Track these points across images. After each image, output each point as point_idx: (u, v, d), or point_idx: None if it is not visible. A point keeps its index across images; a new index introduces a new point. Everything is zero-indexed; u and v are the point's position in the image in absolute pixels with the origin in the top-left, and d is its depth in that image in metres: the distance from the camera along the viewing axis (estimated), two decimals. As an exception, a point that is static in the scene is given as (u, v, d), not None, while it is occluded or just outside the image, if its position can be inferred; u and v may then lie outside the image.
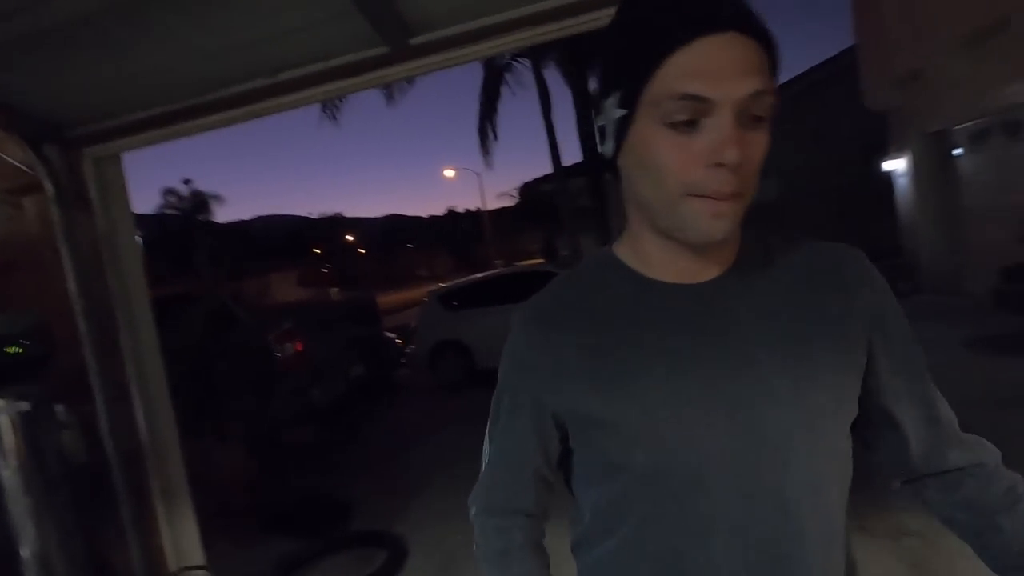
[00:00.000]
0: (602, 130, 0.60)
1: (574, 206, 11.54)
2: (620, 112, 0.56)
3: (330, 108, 11.20)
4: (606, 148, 0.61)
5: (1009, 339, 4.85)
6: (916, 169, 7.73)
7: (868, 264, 0.65)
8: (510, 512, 0.74)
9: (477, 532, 0.76)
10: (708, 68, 0.50)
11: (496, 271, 8.17)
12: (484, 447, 0.75)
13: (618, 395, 0.60)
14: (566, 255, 12.70)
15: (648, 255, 0.63)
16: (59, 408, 1.78)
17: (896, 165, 8.21)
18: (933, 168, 7.47)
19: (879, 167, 8.49)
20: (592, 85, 0.68)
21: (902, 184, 8.22)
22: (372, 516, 3.61)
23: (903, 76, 6.93)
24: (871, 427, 0.66)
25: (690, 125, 0.52)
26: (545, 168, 12.67)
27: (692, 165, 0.53)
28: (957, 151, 7.27)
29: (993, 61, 5.61)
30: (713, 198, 0.53)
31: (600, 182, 11.13)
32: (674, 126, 0.52)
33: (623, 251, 0.66)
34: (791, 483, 0.58)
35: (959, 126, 7.03)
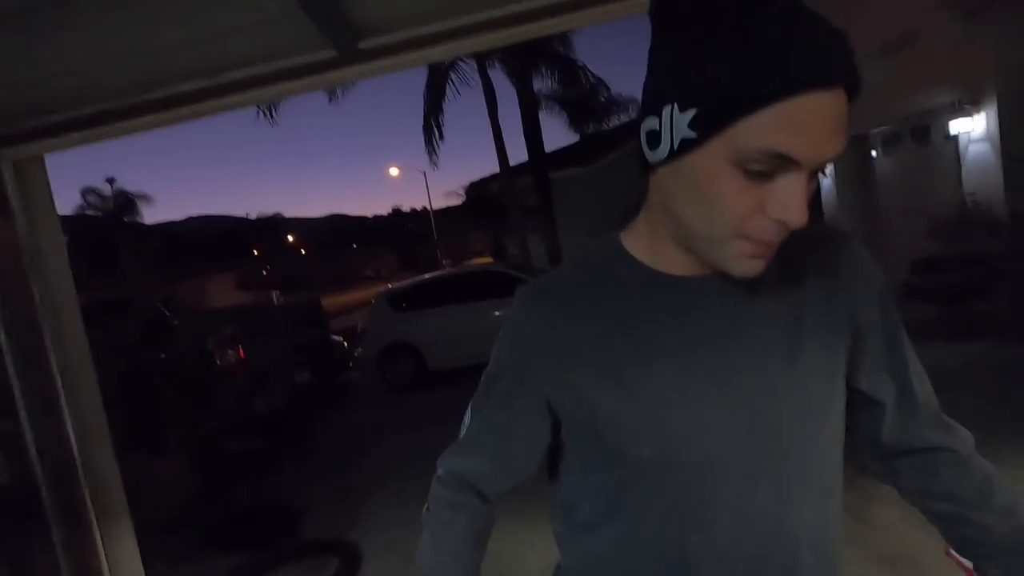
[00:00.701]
0: (654, 134, 0.53)
1: (521, 205, 11.63)
2: (689, 133, 0.49)
3: (266, 106, 10.79)
4: (655, 156, 0.54)
5: (920, 327, 5.29)
6: (837, 170, 8.27)
7: (855, 247, 0.65)
8: (469, 490, 0.73)
9: (432, 495, 0.75)
10: (806, 127, 0.46)
11: (445, 271, 8.14)
12: (465, 418, 0.73)
13: (626, 386, 0.60)
14: (515, 254, 12.79)
15: (661, 253, 0.62)
16: (-22, 428, 1.66)
17: (820, 166, 8.74)
18: (853, 169, 8.02)
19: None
20: (651, 76, 0.53)
21: (826, 184, 8.77)
22: (324, 524, 3.54)
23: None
24: (851, 407, 0.67)
25: (763, 175, 0.49)
26: (492, 167, 12.73)
27: (754, 214, 0.50)
28: (874, 154, 7.84)
29: (903, 72, 6.09)
30: (760, 241, 0.52)
31: (547, 181, 11.26)
32: (746, 172, 0.49)
33: (632, 242, 0.64)
34: (792, 471, 0.59)
35: (875, 130, 7.58)
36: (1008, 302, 4.65)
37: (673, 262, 0.61)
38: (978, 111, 5.76)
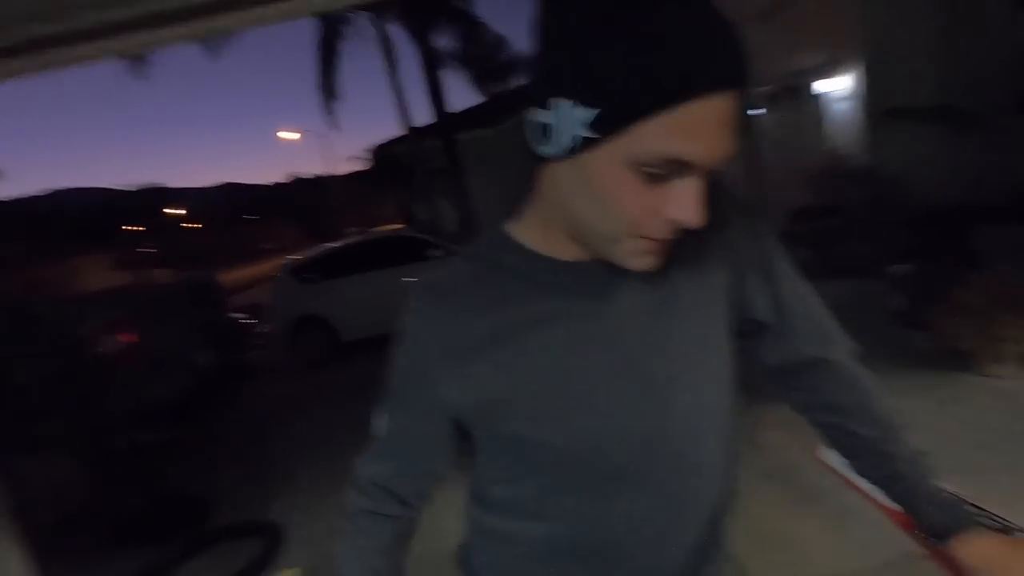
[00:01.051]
0: (546, 128, 0.51)
1: (430, 168, 11.37)
2: (584, 132, 0.48)
3: (136, 62, 9.61)
4: (546, 150, 0.52)
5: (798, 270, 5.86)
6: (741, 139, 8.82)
7: (721, 186, 0.65)
8: (387, 496, 0.73)
9: (350, 504, 0.75)
10: (704, 131, 0.46)
11: (353, 239, 7.84)
12: (375, 420, 0.73)
13: (520, 374, 0.60)
14: (424, 219, 12.56)
15: (551, 240, 0.61)
16: None
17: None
18: (745, 135, 8.58)
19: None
20: (537, 66, 0.50)
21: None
22: (242, 507, 3.41)
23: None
24: (745, 336, 0.69)
25: (660, 178, 0.48)
26: (398, 129, 12.24)
27: (650, 216, 0.51)
28: (758, 111, 8.41)
29: (783, 33, 6.52)
30: (655, 240, 0.53)
31: (455, 143, 11.06)
32: (643, 174, 0.48)
33: (521, 230, 0.64)
34: (691, 420, 0.62)
35: (758, 89, 8.11)
36: (866, 245, 5.25)
37: (563, 249, 0.61)
38: (845, 71, 6.33)
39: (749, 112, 8.36)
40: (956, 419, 2.63)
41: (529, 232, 0.63)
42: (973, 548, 0.61)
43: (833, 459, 0.79)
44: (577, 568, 0.65)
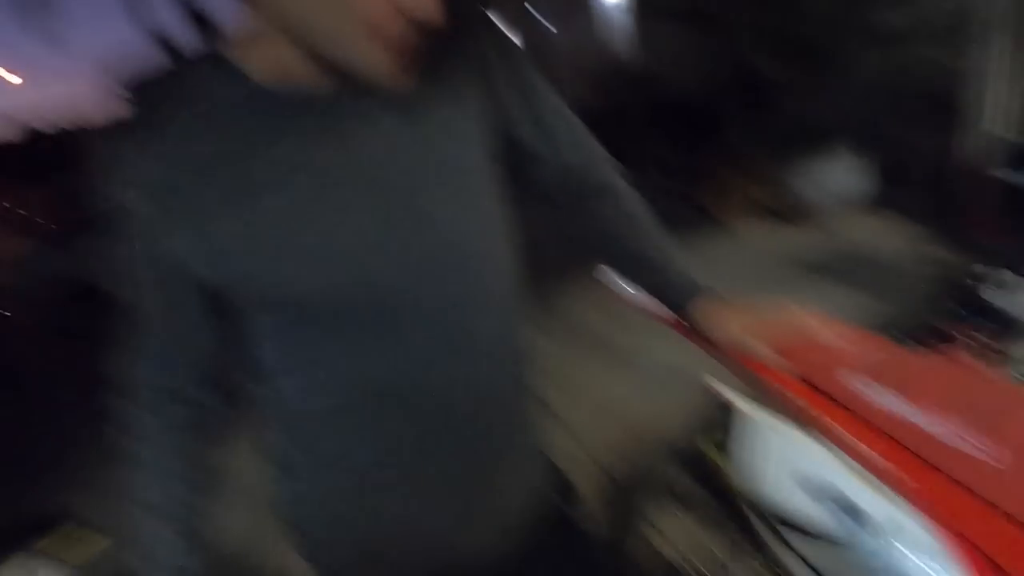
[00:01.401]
0: None
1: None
2: None
3: None
4: None
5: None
6: (524, 41, 9.03)
7: (479, 12, 0.63)
8: (163, 394, 0.64)
9: (125, 416, 0.65)
10: None
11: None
12: (131, 308, 0.63)
13: (272, 226, 0.54)
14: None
15: (276, 62, 0.53)
16: None
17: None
18: (525, 35, 8.82)
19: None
20: None
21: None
22: (25, 508, 2.89)
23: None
24: (520, 167, 0.68)
25: None
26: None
27: (378, 5, 0.48)
28: (543, 20, 8.68)
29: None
30: (397, 49, 0.49)
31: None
32: None
33: (238, 52, 0.54)
34: (460, 257, 0.59)
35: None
36: (637, 137, 5.85)
37: (299, 75, 0.53)
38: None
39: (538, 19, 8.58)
40: (710, 266, 3.20)
41: (247, 52, 0.54)
42: (705, 310, 0.75)
43: (611, 277, 0.87)
44: (376, 429, 0.62)
